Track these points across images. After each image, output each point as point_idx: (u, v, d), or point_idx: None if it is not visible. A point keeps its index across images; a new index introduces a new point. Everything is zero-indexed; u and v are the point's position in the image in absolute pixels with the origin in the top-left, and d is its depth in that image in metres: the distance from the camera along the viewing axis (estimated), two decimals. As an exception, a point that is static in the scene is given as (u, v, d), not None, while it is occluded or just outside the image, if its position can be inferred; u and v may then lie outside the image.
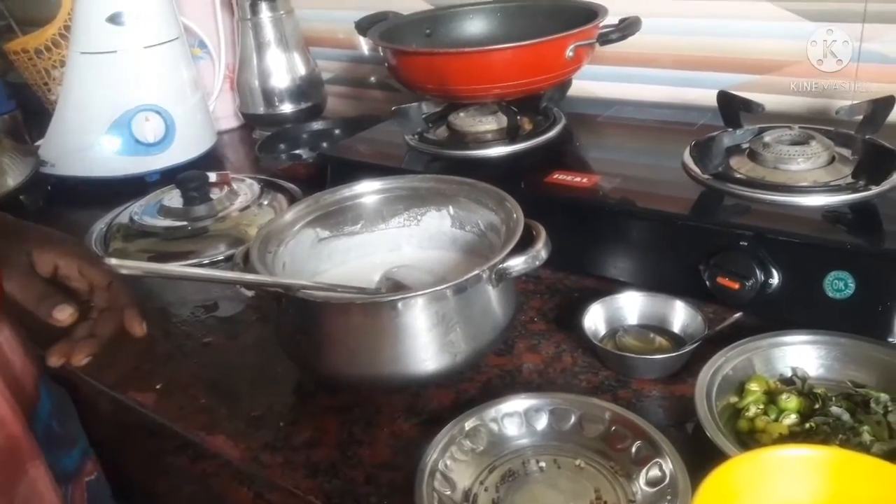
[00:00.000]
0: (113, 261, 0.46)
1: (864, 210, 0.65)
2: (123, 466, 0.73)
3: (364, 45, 1.28)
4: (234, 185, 0.97)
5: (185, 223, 0.90)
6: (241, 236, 0.88)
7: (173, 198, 0.95)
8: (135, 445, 0.69)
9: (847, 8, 0.83)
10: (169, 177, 1.02)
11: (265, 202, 0.95)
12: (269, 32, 1.22)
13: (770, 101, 0.80)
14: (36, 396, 0.66)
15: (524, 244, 0.59)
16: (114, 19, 1.05)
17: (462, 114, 0.91)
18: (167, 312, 0.78)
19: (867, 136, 0.71)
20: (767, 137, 0.74)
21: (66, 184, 1.08)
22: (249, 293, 0.63)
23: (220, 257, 0.86)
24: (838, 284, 0.60)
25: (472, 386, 0.62)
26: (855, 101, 0.75)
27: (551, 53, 0.83)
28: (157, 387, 0.66)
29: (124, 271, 0.47)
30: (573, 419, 0.54)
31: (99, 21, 1.05)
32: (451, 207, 0.70)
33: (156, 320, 0.77)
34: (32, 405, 0.65)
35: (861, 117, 0.73)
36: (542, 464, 0.53)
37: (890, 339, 0.59)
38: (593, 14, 0.86)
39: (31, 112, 1.37)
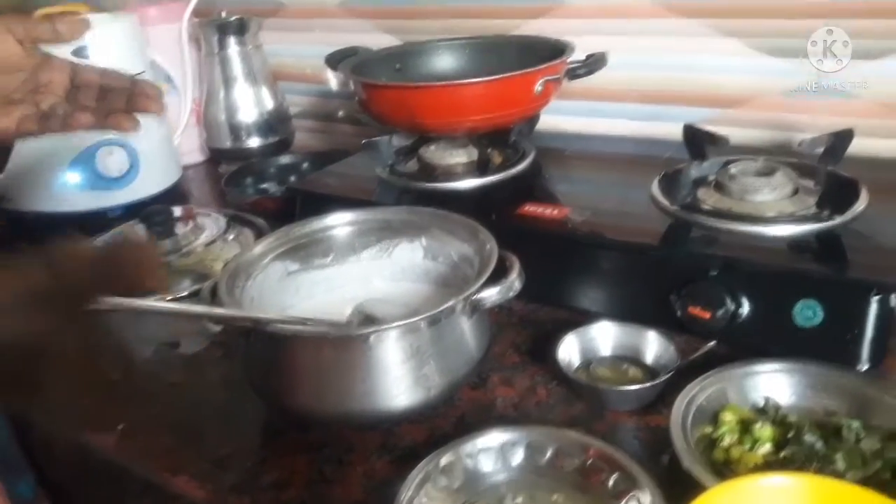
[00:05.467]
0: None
1: (830, 239, 0.66)
2: (82, 511, 0.70)
3: (332, 80, 1.28)
4: (200, 220, 0.96)
5: (149, 258, 0.88)
6: (205, 271, 0.86)
7: (137, 233, 0.93)
8: (95, 489, 0.67)
9: (805, 45, 0.86)
10: (133, 212, 1.00)
11: (231, 237, 0.93)
12: (236, 67, 1.21)
13: (734, 134, 0.82)
14: None
15: (497, 275, 0.59)
16: (78, 53, 1.02)
17: (433, 147, 0.91)
18: (127, 350, 0.76)
19: (829, 168, 0.72)
20: (733, 169, 0.75)
21: (24, 219, 1.05)
22: (216, 328, 0.61)
23: (184, 293, 0.83)
24: (807, 313, 0.61)
25: (446, 421, 0.61)
26: (815, 134, 0.76)
27: (520, 88, 0.84)
28: (119, 427, 0.64)
29: (91, 305, 0.46)
30: (549, 453, 0.53)
31: (63, 55, 1.03)
32: (423, 239, 0.70)
33: (115, 359, 0.74)
34: None
35: (822, 149, 0.74)
36: (519, 499, 0.51)
37: (858, 367, 0.59)
38: (561, 50, 0.87)
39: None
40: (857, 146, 0.75)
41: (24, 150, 1.06)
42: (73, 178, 1.04)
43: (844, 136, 0.74)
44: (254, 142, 1.23)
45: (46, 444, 0.68)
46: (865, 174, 0.72)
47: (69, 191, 1.04)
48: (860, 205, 0.68)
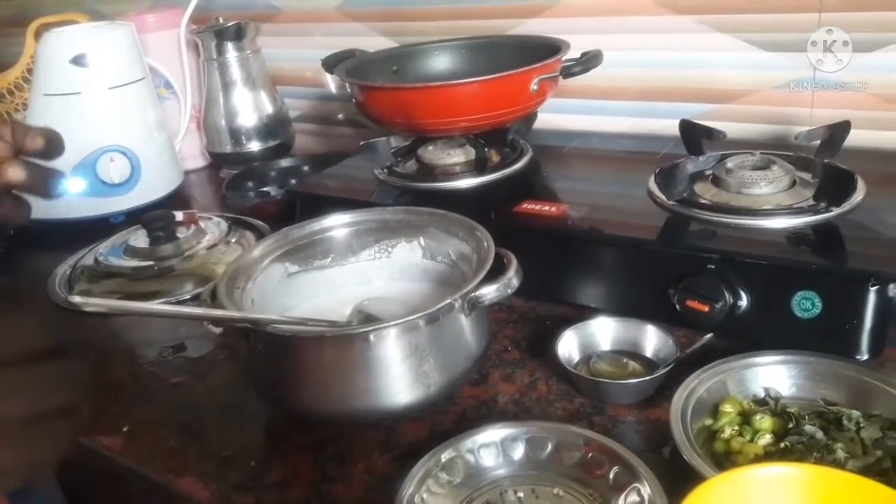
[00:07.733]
0: (77, 298, 0.45)
1: (827, 231, 0.66)
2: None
3: (331, 83, 1.29)
4: (202, 224, 0.96)
5: (151, 263, 0.89)
6: (208, 275, 0.87)
7: (139, 238, 0.93)
8: (103, 490, 0.67)
9: (800, 39, 0.86)
10: (135, 218, 1.01)
11: (233, 240, 0.94)
12: (235, 72, 1.22)
13: (731, 128, 0.82)
14: None
15: (495, 273, 0.59)
16: (77, 61, 1.04)
17: (430, 147, 0.91)
18: (134, 353, 0.76)
19: (826, 160, 0.73)
20: (730, 163, 0.75)
21: (28, 227, 1.05)
22: (217, 330, 0.62)
23: (187, 296, 0.84)
24: (805, 304, 0.61)
25: (446, 418, 0.61)
26: (812, 127, 0.77)
27: (516, 87, 0.84)
28: (124, 429, 0.64)
29: (89, 309, 0.46)
30: (550, 447, 0.54)
31: (62, 63, 1.04)
32: (421, 238, 0.70)
33: (122, 361, 0.75)
34: None
35: (819, 142, 0.75)
36: (520, 494, 0.52)
37: (857, 357, 0.60)
38: (556, 48, 0.87)
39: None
40: (855, 138, 0.75)
41: (25, 159, 1.07)
42: (75, 184, 1.05)
43: (841, 128, 0.74)
44: (254, 146, 1.23)
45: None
46: (863, 166, 0.73)
47: (72, 198, 1.05)
48: (857, 196, 0.68)
